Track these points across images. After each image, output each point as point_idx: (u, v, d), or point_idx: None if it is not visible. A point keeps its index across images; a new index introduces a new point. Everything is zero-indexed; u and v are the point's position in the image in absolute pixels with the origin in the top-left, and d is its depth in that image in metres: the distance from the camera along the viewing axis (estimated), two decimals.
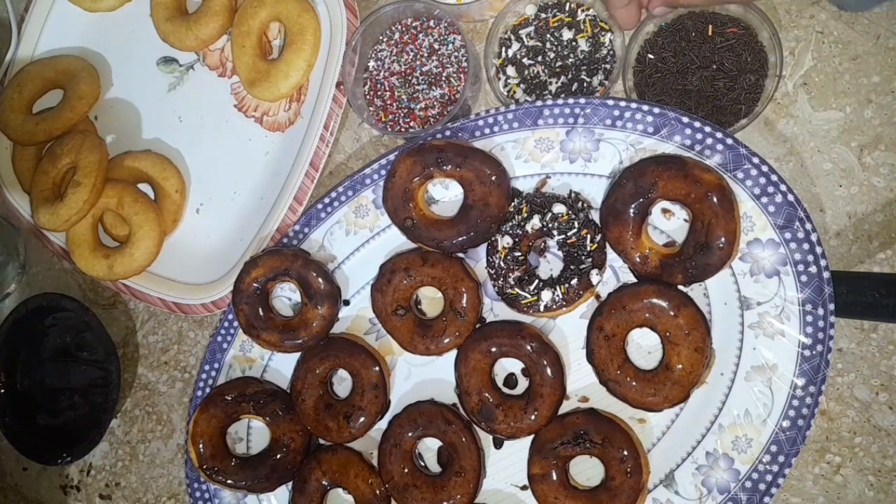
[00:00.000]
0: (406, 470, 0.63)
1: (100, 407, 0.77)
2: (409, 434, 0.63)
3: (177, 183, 0.74)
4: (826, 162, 0.61)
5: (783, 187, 0.55)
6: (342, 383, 0.68)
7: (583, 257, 0.59)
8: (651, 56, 0.61)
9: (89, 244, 0.74)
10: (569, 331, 0.62)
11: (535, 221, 0.60)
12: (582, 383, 0.62)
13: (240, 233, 0.73)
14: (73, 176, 0.72)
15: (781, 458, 0.55)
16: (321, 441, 0.68)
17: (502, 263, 0.61)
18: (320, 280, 0.65)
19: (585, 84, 0.63)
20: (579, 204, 0.60)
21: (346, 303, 0.68)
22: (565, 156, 0.62)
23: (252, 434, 0.70)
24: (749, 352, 0.57)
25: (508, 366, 0.63)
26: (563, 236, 0.60)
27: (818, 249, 0.55)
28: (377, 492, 0.64)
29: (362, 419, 0.64)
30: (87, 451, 0.76)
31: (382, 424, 0.65)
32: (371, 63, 0.69)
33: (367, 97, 0.69)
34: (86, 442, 0.75)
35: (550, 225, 0.60)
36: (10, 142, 0.80)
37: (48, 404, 0.81)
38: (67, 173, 0.74)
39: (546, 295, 0.59)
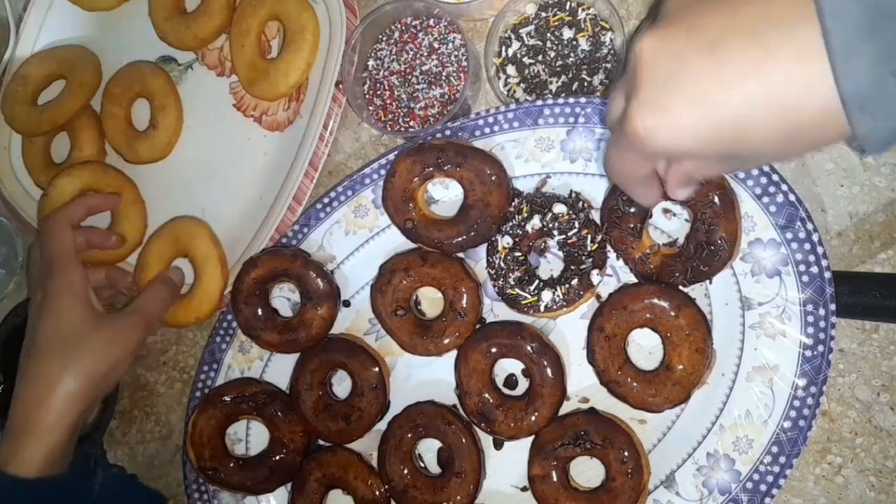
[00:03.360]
0: (406, 471, 0.63)
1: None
2: (409, 435, 0.63)
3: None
4: (828, 161, 0.60)
5: (784, 187, 0.55)
6: (342, 384, 0.68)
7: (583, 257, 0.59)
8: None
9: None
10: (569, 331, 0.62)
11: (536, 221, 0.60)
12: (582, 384, 0.61)
13: (239, 233, 0.72)
14: (153, 104, 0.74)
15: (782, 459, 0.55)
16: (320, 442, 0.68)
17: (502, 263, 0.61)
18: (320, 280, 0.65)
19: (586, 83, 0.63)
20: (580, 204, 0.60)
21: (347, 304, 0.68)
22: (566, 155, 0.61)
23: (251, 435, 0.70)
24: (750, 352, 0.57)
25: (508, 366, 0.63)
26: (563, 236, 0.59)
27: (819, 249, 0.55)
28: (377, 493, 0.64)
29: (362, 420, 0.64)
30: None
31: (382, 425, 0.65)
32: (370, 62, 0.69)
33: (367, 96, 0.69)
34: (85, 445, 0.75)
35: (551, 225, 0.60)
36: (9, 141, 0.80)
37: None
38: (134, 105, 0.76)
39: (546, 295, 0.59)
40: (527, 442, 0.61)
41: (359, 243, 0.67)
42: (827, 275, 0.55)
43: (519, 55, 0.64)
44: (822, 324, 0.55)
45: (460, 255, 0.64)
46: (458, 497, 0.61)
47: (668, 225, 0.60)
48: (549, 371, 0.59)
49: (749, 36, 0.34)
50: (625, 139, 0.39)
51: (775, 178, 0.55)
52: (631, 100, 0.38)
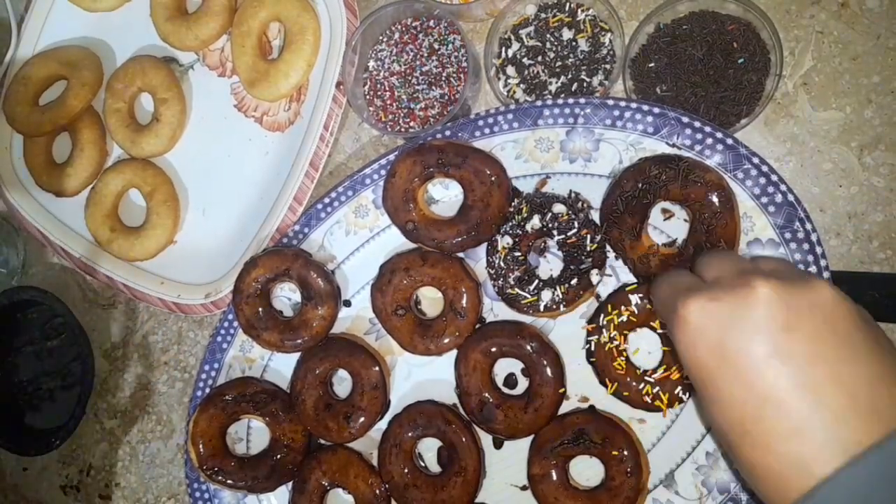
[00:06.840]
0: (406, 470, 0.63)
1: (69, 406, 0.77)
2: (409, 434, 0.63)
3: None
4: (826, 162, 0.61)
5: (783, 187, 0.55)
6: (342, 383, 0.68)
7: (583, 257, 0.59)
8: (651, 56, 0.61)
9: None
10: (569, 331, 0.62)
11: (535, 221, 0.60)
12: (582, 383, 0.62)
13: (240, 233, 0.73)
14: (156, 97, 0.74)
15: None
16: (321, 441, 0.68)
17: (502, 263, 0.61)
18: (320, 280, 0.65)
19: (585, 84, 0.63)
20: (579, 204, 0.60)
21: (348, 304, 0.68)
22: (565, 156, 0.62)
23: (252, 434, 0.70)
24: None
25: (508, 366, 0.63)
26: (563, 236, 0.60)
27: (818, 249, 0.55)
28: (377, 492, 0.64)
29: (362, 419, 0.64)
30: (49, 449, 0.77)
31: (382, 424, 0.65)
32: (371, 63, 0.69)
33: (367, 97, 0.69)
34: (52, 439, 0.76)
35: (550, 225, 0.60)
36: (11, 142, 0.80)
37: (20, 397, 0.81)
38: (136, 100, 0.77)
39: (546, 295, 0.59)
40: (526, 441, 0.61)
41: (359, 243, 0.67)
42: (826, 275, 0.55)
43: (519, 56, 0.65)
44: None
45: (460, 254, 0.64)
46: (458, 496, 0.61)
47: (668, 225, 0.60)
48: (548, 370, 0.60)
49: None
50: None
51: (774, 178, 0.56)
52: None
